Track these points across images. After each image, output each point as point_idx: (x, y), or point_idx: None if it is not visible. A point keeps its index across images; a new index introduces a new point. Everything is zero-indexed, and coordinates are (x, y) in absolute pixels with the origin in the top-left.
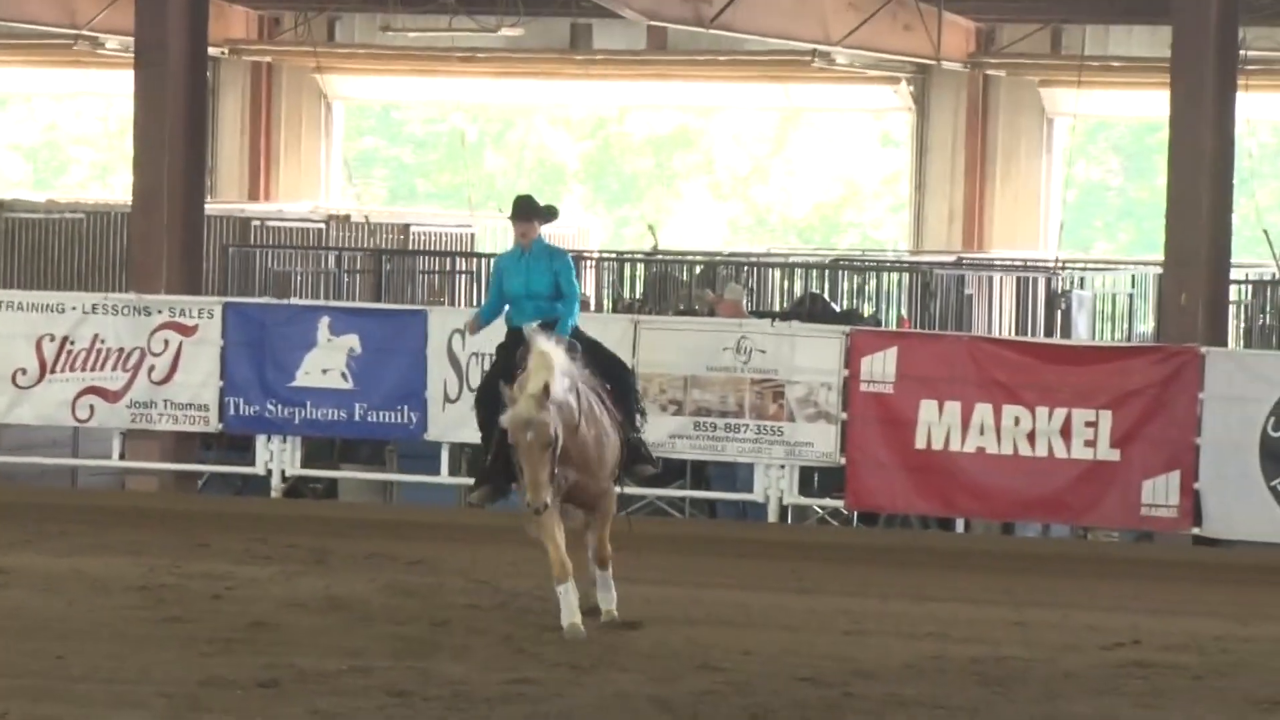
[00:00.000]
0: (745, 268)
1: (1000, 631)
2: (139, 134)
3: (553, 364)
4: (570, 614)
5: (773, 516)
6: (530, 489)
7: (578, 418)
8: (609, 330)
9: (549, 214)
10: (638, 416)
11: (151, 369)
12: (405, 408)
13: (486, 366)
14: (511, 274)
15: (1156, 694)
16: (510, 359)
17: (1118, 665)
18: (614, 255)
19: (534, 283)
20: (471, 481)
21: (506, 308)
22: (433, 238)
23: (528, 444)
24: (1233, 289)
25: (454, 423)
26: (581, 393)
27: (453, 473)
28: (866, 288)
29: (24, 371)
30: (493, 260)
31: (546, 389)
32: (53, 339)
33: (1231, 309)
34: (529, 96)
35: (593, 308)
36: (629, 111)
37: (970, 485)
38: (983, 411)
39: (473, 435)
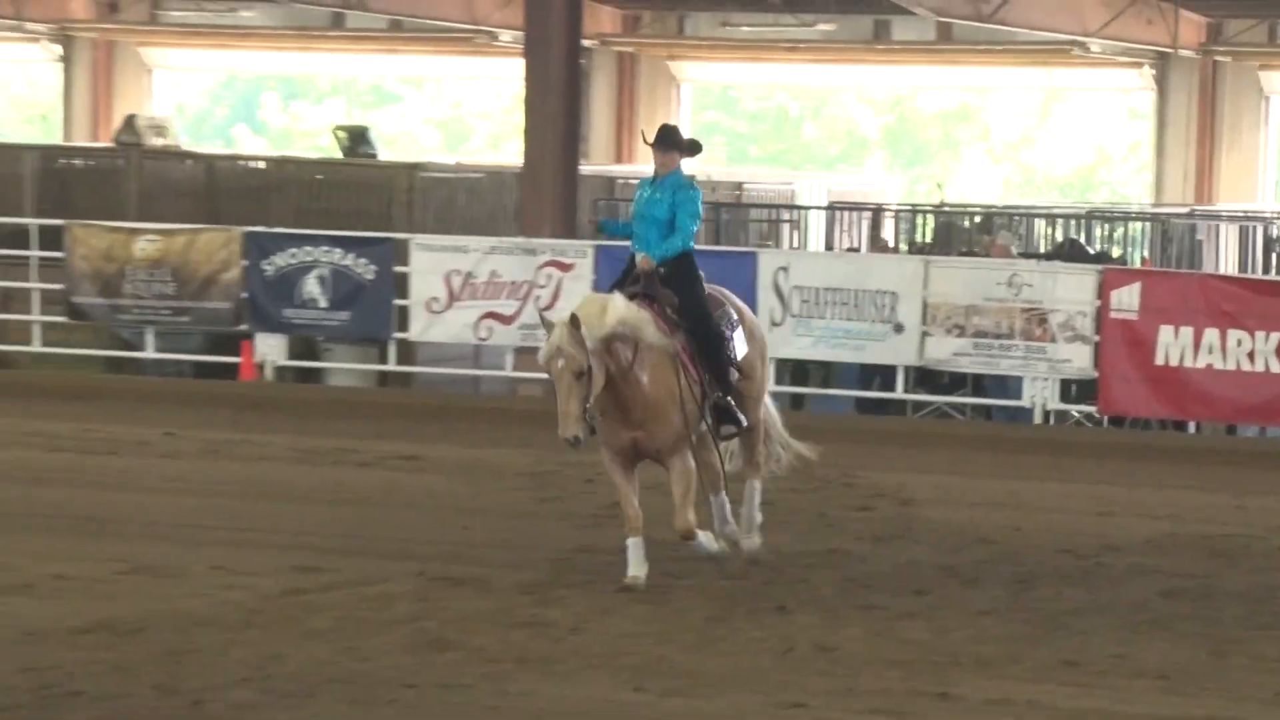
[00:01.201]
0: (1016, 218)
1: (1225, 514)
2: (528, 110)
3: (606, 306)
4: (636, 566)
5: (1038, 419)
6: (560, 419)
7: (627, 365)
8: (903, 269)
9: (692, 148)
10: (732, 372)
11: (537, 298)
12: None
13: (805, 299)
14: (643, 195)
15: None
16: (620, 282)
17: None
18: (909, 208)
19: (653, 208)
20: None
21: None
22: (761, 193)
23: (558, 372)
24: None
25: (779, 342)
26: (642, 346)
27: (778, 383)
28: (1115, 234)
29: (436, 300)
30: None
31: (576, 321)
32: (458, 274)
33: None
34: (839, 79)
35: (892, 248)
36: (920, 90)
37: (1200, 394)
38: (1210, 335)
39: (796, 351)
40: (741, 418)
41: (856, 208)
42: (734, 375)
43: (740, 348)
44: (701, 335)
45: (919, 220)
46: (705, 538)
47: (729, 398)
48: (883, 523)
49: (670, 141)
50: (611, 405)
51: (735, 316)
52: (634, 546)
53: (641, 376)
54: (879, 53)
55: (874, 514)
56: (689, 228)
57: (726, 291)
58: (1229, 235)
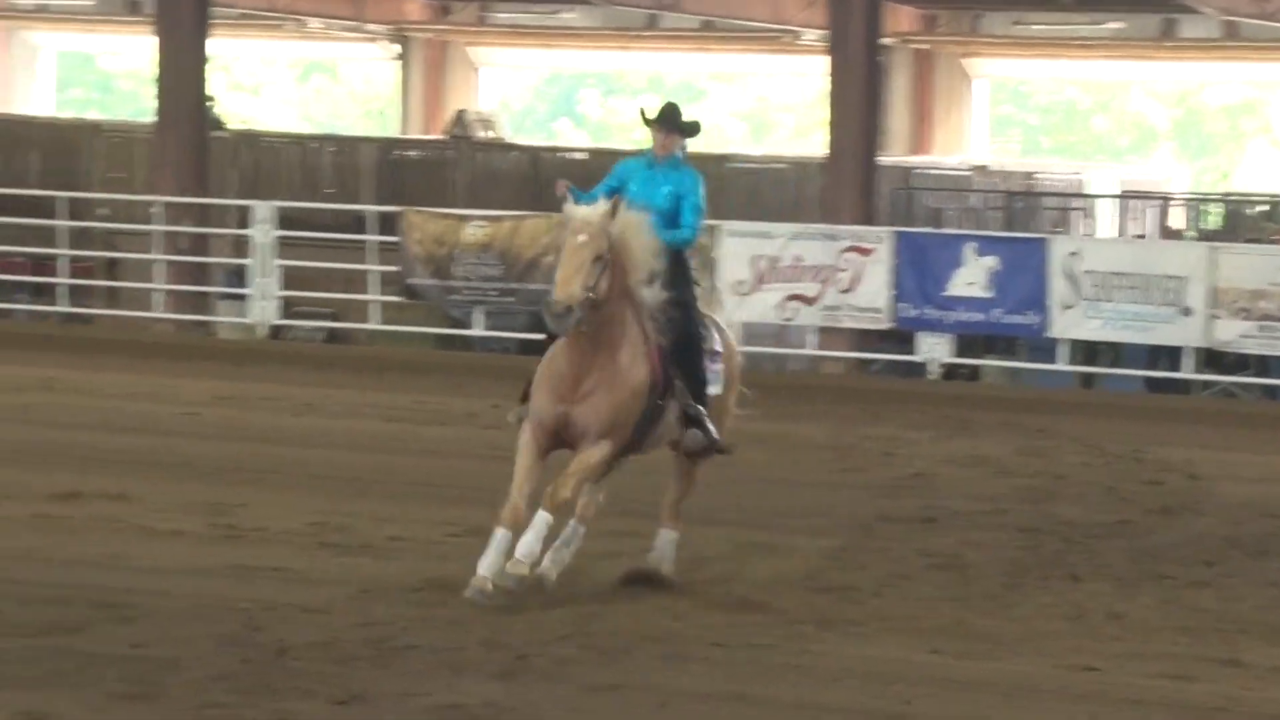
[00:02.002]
0: None
1: None
2: (831, 104)
3: (647, 232)
4: (490, 565)
5: None
6: (559, 283)
7: (609, 309)
8: (1191, 255)
9: (692, 129)
10: (708, 390)
11: (839, 281)
12: (1031, 312)
13: (1095, 283)
14: (637, 181)
15: None
16: None
17: None
18: (1197, 197)
19: (655, 197)
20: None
21: None
22: (1052, 182)
23: (576, 246)
24: None
25: (1070, 323)
26: (633, 303)
27: (1070, 362)
28: None
29: (742, 283)
30: (618, 165)
31: (617, 210)
32: (764, 258)
33: None
34: (1128, 74)
35: (1179, 236)
36: (1206, 85)
37: None
38: None
39: (1086, 332)
40: (715, 434)
41: (1145, 196)
42: (710, 391)
43: (713, 384)
44: (683, 338)
45: (1206, 209)
46: (534, 536)
47: (704, 410)
48: (1171, 496)
49: (674, 122)
50: (565, 363)
51: (719, 348)
52: (501, 540)
53: (616, 334)
54: (1167, 49)
55: (1162, 488)
56: (695, 224)
57: (720, 322)
58: None
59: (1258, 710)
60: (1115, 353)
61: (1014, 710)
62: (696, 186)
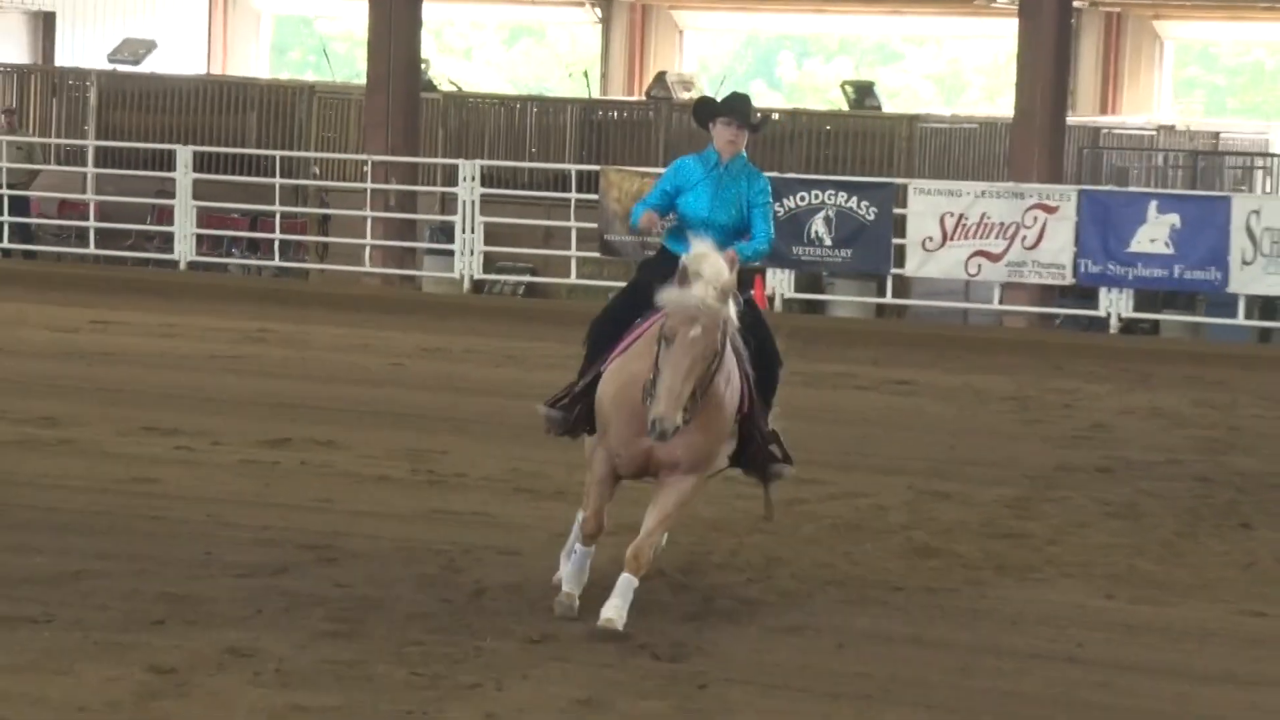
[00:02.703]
0: None
1: None
2: (1020, 66)
3: (727, 274)
4: (575, 581)
5: None
6: (665, 398)
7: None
8: None
9: (764, 125)
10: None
11: (1024, 238)
12: (1212, 268)
13: (1276, 240)
14: (698, 189)
15: None
16: (649, 286)
17: None
18: None
19: (720, 210)
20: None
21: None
22: (1236, 142)
23: (689, 341)
24: None
25: (1250, 279)
26: (729, 339)
27: (1247, 317)
28: None
29: (931, 239)
30: (676, 163)
31: (729, 292)
32: (952, 215)
33: None
34: None
35: None
36: None
37: None
38: None
39: (1265, 288)
40: (790, 459)
41: None
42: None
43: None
44: (764, 357)
45: None
46: (621, 601)
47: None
48: None
49: (746, 116)
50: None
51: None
52: (582, 557)
53: (718, 375)
54: None
55: None
56: (770, 234)
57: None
58: None
59: None
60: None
61: (1183, 654)
62: (767, 192)
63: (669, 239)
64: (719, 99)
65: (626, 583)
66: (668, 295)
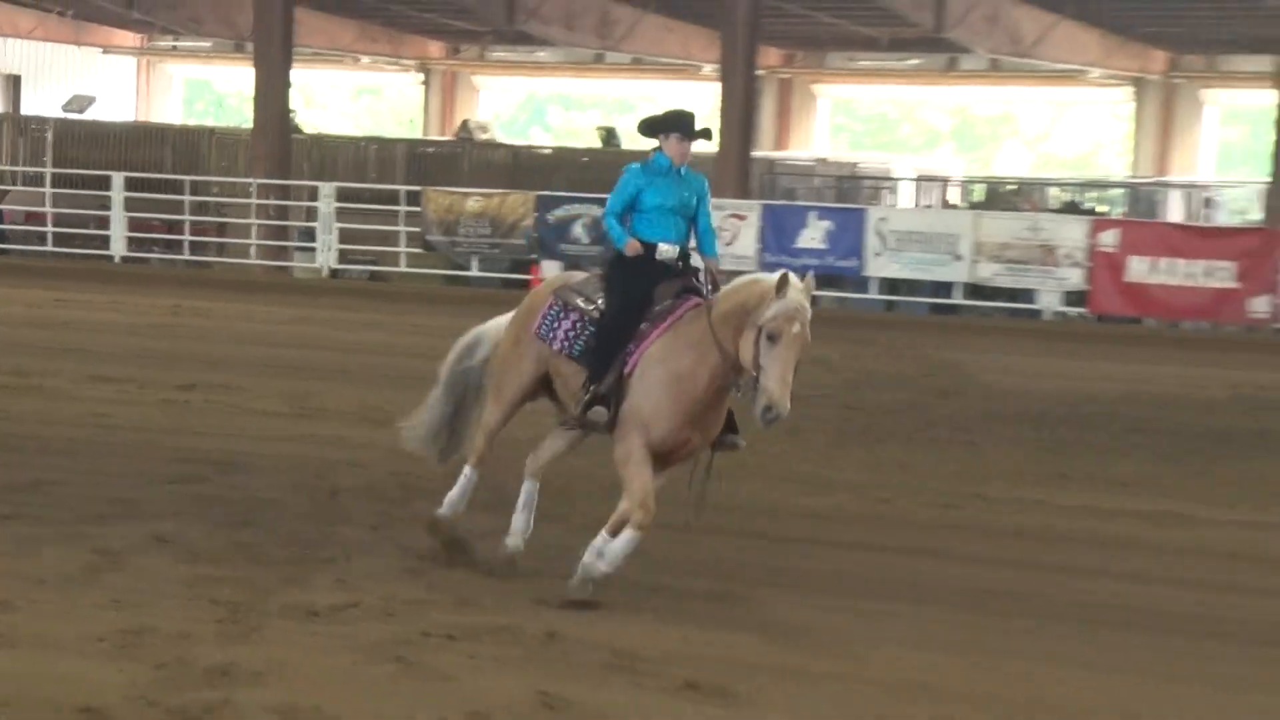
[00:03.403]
0: (1036, 186)
1: (1175, 380)
2: (722, 115)
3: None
4: (612, 562)
5: (1047, 317)
6: (780, 389)
7: None
8: (960, 219)
9: (707, 134)
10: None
11: (723, 238)
12: (853, 258)
13: (898, 239)
14: (658, 187)
15: None
16: (646, 278)
17: None
18: (967, 180)
19: (679, 202)
20: (586, 401)
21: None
22: (868, 169)
23: (792, 337)
24: None
25: (879, 266)
26: None
27: (879, 293)
28: (1102, 197)
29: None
30: (631, 173)
31: (809, 296)
32: None
33: None
34: (923, 95)
35: (954, 207)
36: (976, 102)
37: (1154, 301)
38: (1164, 262)
39: (890, 272)
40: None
41: (932, 179)
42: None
43: None
44: None
45: (972, 188)
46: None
47: None
48: (946, 383)
49: (693, 130)
50: (705, 389)
51: None
52: (635, 543)
53: None
54: (950, 78)
55: (939, 378)
56: (711, 226)
57: None
58: (1175, 198)
59: (995, 525)
60: (909, 288)
61: (819, 525)
62: (708, 189)
63: (638, 231)
64: (661, 116)
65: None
66: (773, 301)
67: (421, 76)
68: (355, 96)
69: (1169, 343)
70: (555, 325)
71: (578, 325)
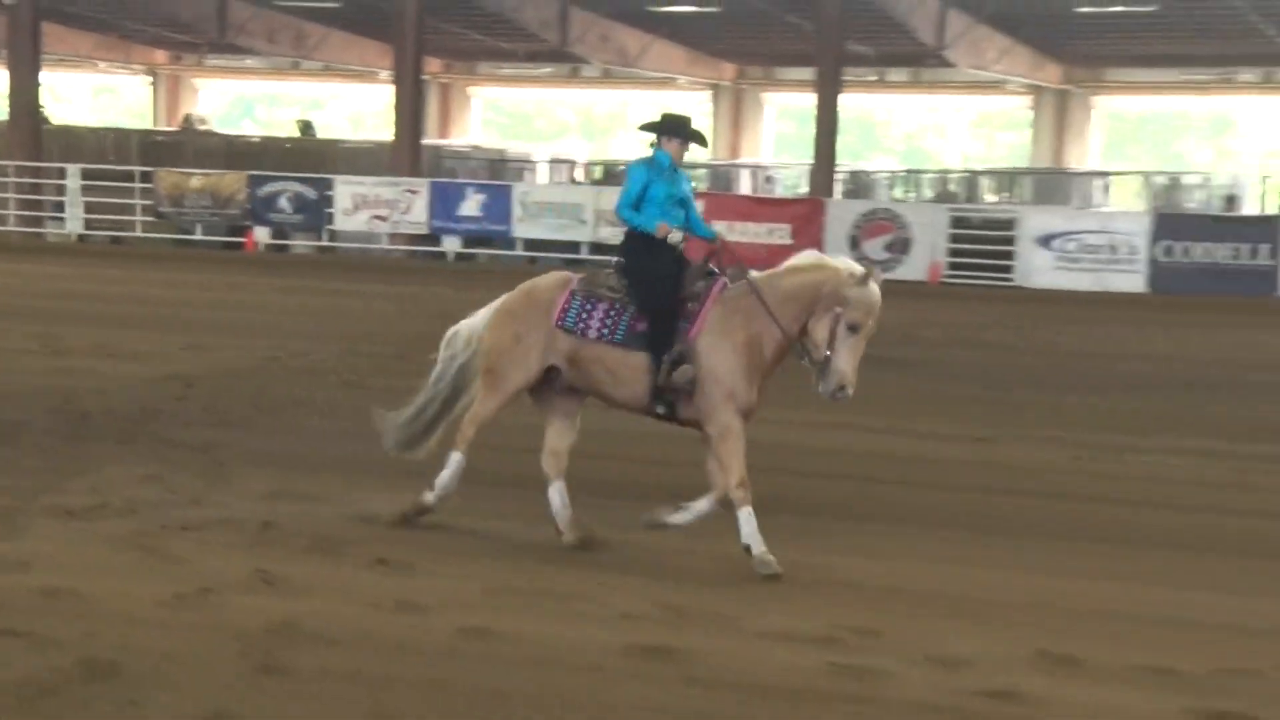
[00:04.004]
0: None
1: None
2: (396, 112)
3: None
4: (759, 540)
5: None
6: (852, 374)
7: None
8: (582, 192)
9: (703, 143)
10: None
11: (401, 207)
12: (503, 224)
13: (536, 209)
14: (664, 182)
15: None
16: (669, 259)
17: None
18: (591, 162)
19: (679, 194)
20: (671, 364)
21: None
22: (515, 154)
23: (870, 329)
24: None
25: (523, 230)
26: None
27: (523, 250)
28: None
29: (346, 209)
30: (636, 170)
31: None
32: (359, 195)
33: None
34: (559, 96)
35: (578, 184)
36: (599, 101)
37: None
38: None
39: (531, 234)
40: None
41: (562, 162)
42: None
43: None
44: None
45: (595, 170)
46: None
47: None
48: None
49: (695, 136)
50: (766, 358)
51: None
52: (749, 516)
53: None
54: (574, 82)
55: None
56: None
57: None
58: (745, 176)
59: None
60: (547, 246)
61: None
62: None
63: (645, 218)
64: (670, 121)
65: (747, 514)
66: (856, 292)
67: (150, 79)
68: (95, 95)
69: None
70: (585, 316)
71: (613, 312)
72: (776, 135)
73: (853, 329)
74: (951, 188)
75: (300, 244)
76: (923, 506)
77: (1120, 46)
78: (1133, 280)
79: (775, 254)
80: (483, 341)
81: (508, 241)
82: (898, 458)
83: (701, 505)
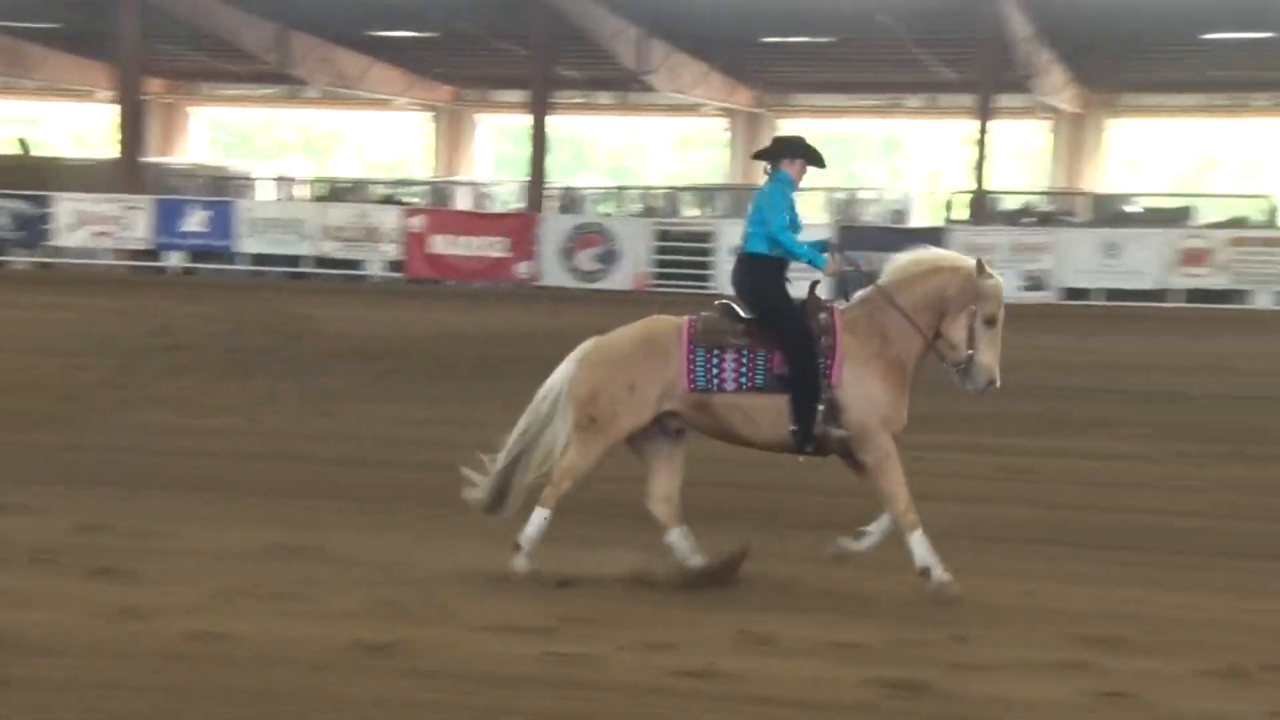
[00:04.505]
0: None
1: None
2: (121, 130)
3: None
4: (939, 566)
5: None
6: (998, 364)
7: None
8: (307, 209)
9: (823, 165)
10: None
11: (124, 224)
12: (228, 239)
13: (261, 224)
14: (794, 206)
15: None
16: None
17: None
18: (313, 179)
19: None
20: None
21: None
22: (241, 172)
23: (1003, 319)
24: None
25: (248, 245)
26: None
27: (249, 264)
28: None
29: (69, 226)
30: (781, 190)
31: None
32: (87, 212)
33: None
34: (284, 118)
35: (298, 201)
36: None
37: (446, 265)
38: (452, 239)
39: (256, 249)
40: None
41: (285, 179)
42: None
43: None
44: None
45: (317, 186)
46: (924, 548)
47: None
48: (298, 331)
49: (818, 159)
50: (908, 374)
51: None
52: (923, 539)
53: None
54: (295, 103)
55: (296, 326)
56: None
57: None
58: (463, 192)
59: (349, 433)
60: (270, 260)
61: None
62: None
63: (799, 244)
64: (786, 143)
65: (919, 539)
66: (987, 286)
67: None
68: None
69: (463, 297)
70: (715, 369)
71: (745, 359)
72: (494, 155)
73: (989, 323)
74: (655, 204)
75: (19, 260)
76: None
77: (803, 74)
78: (818, 288)
79: (495, 265)
80: (578, 388)
81: (231, 256)
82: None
83: (882, 524)
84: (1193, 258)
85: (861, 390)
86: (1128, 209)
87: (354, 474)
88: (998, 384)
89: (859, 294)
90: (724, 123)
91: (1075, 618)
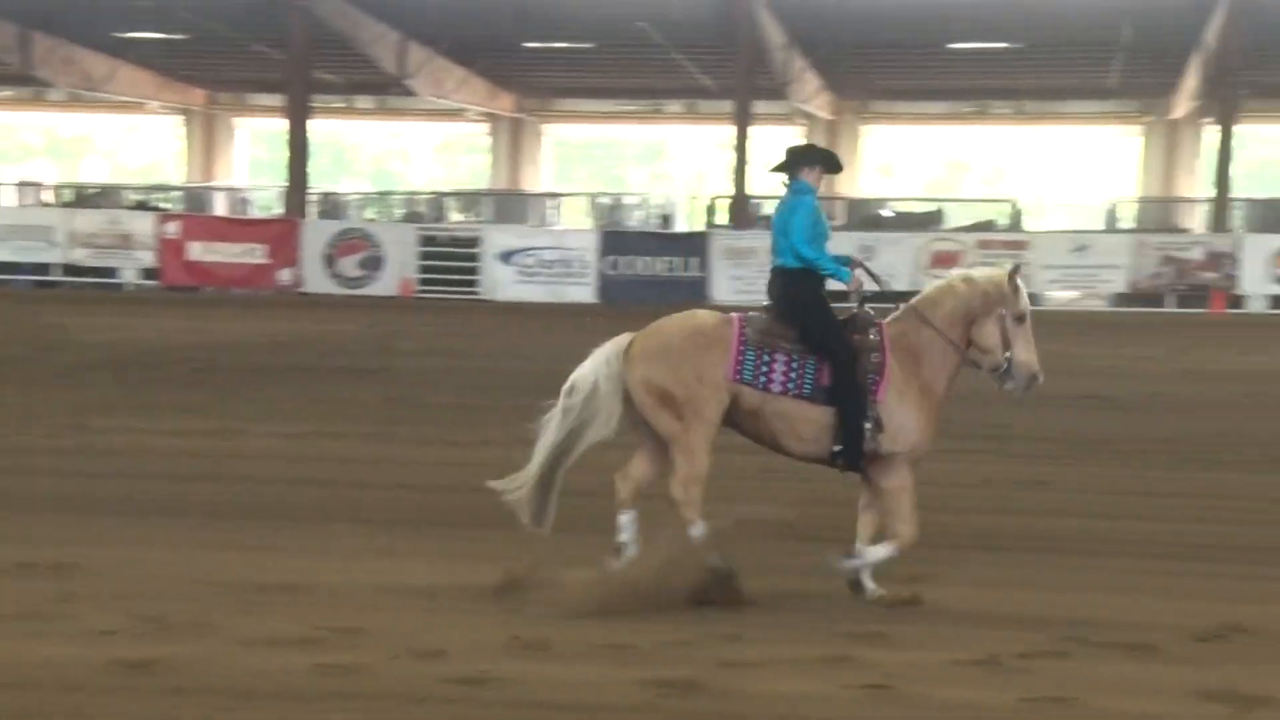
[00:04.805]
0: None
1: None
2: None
3: None
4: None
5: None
6: (1038, 361)
7: None
8: (52, 214)
9: (838, 170)
10: None
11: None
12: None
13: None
14: (820, 216)
15: None
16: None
17: None
18: (64, 185)
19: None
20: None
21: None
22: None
23: (1030, 313)
24: None
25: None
26: None
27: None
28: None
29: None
30: (806, 201)
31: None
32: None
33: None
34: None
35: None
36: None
37: (204, 271)
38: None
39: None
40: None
41: (29, 184)
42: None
43: None
44: None
45: (65, 191)
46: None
47: None
48: (58, 339)
49: (836, 164)
50: (942, 394)
51: None
52: (892, 553)
53: None
54: (39, 105)
55: (62, 336)
56: None
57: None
58: (220, 197)
59: (98, 447)
60: (14, 268)
61: None
62: None
63: (823, 257)
64: (801, 152)
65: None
66: (1012, 286)
67: None
68: None
69: (222, 304)
70: (765, 368)
71: (794, 365)
72: (251, 159)
73: (1020, 320)
74: (419, 209)
75: None
76: (404, 507)
77: (565, 79)
78: (584, 291)
79: (255, 272)
80: (645, 388)
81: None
82: (385, 462)
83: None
84: (943, 260)
85: (901, 416)
86: (882, 213)
87: (109, 487)
88: (1041, 379)
89: (893, 314)
90: (486, 127)
91: (842, 615)
